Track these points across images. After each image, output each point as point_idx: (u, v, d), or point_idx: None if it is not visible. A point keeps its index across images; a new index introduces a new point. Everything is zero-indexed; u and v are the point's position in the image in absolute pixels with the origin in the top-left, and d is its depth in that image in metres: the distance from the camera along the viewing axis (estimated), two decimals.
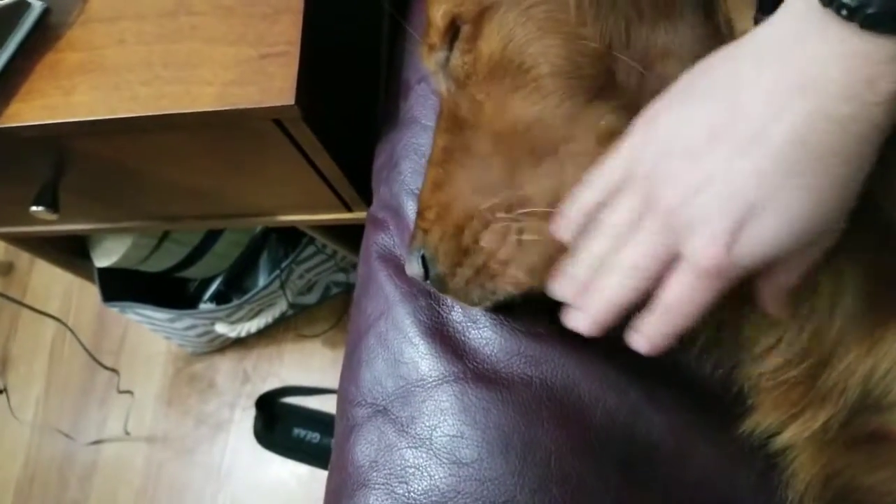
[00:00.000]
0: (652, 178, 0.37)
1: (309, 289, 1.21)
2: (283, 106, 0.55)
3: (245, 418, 1.28)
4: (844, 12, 0.30)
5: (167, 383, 1.34)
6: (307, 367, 1.29)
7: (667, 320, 0.38)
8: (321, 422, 1.21)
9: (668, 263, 0.37)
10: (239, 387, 1.31)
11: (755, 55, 0.34)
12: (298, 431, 1.24)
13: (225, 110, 0.56)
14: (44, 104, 0.59)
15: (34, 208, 0.68)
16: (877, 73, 0.30)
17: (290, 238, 1.13)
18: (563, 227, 0.42)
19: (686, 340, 0.46)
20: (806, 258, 0.37)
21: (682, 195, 0.35)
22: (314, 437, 1.21)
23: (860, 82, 0.31)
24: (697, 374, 0.50)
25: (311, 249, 1.10)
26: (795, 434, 0.44)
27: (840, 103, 0.31)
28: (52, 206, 0.69)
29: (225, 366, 1.33)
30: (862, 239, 0.39)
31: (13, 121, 0.59)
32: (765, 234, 0.34)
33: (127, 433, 1.31)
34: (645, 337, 0.40)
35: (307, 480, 1.21)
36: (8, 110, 0.59)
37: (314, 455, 1.19)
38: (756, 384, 0.46)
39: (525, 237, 0.44)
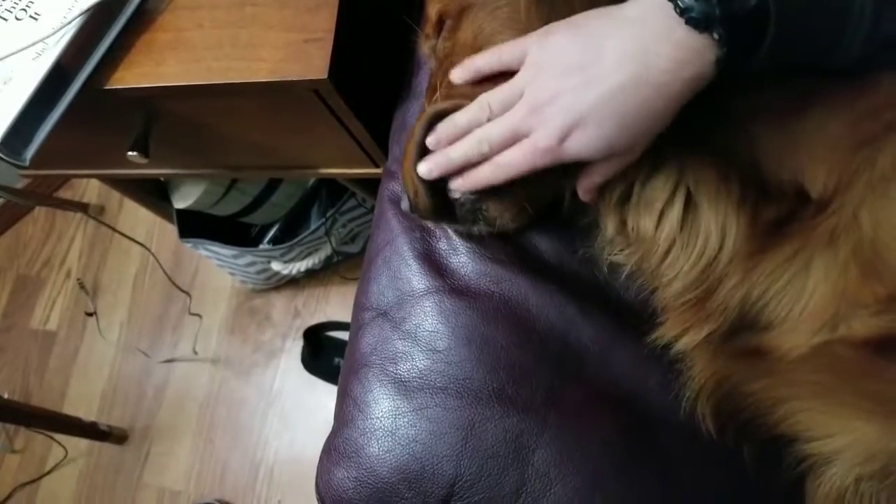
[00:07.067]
0: (533, 78, 0.48)
1: (352, 238, 1.30)
2: (319, 80, 0.63)
3: (294, 347, 1.40)
4: (678, 10, 0.41)
5: (230, 314, 1.46)
6: (349, 306, 1.27)
7: (494, 171, 0.50)
8: None
9: (511, 142, 0.49)
10: (290, 320, 1.42)
11: (623, 19, 0.45)
12: (339, 360, 1.32)
13: (276, 81, 0.64)
14: (140, 72, 0.68)
15: (130, 153, 0.75)
16: (687, 58, 0.42)
17: (337, 193, 1.21)
18: (458, 74, 0.53)
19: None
20: (610, 167, 0.49)
21: (545, 99, 0.47)
22: None
23: (677, 62, 0.42)
24: (623, 297, 0.59)
25: (352, 202, 1.19)
26: (686, 344, 0.52)
27: (659, 73, 0.42)
28: (144, 152, 0.76)
29: (279, 302, 1.43)
30: (744, 192, 0.48)
31: (117, 84, 0.68)
32: (583, 139, 0.46)
33: (195, 353, 1.43)
34: (471, 179, 0.52)
35: None
36: (114, 76, 0.68)
37: None
38: (665, 305, 0.53)
39: None
